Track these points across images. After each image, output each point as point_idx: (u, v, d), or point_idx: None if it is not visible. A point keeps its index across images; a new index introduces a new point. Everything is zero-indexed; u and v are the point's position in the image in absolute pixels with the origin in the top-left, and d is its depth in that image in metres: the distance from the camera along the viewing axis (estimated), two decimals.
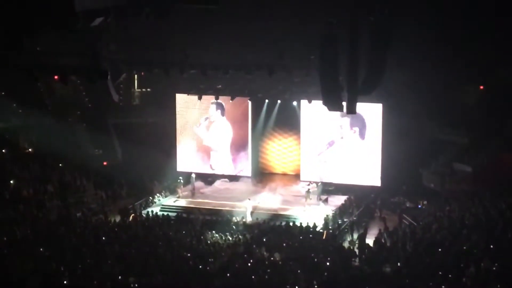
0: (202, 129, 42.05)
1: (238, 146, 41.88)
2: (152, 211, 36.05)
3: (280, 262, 27.34)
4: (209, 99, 41.06)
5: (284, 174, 42.96)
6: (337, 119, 38.73)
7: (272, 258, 27.75)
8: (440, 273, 24.84)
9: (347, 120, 38.84)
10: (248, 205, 35.69)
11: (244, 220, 34.33)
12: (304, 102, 39.06)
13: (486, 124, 36.41)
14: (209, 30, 33.57)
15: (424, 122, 38.50)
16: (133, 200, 38.02)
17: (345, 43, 23.04)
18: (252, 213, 35.20)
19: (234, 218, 34.44)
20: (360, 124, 38.82)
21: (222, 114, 41.79)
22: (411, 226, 33.27)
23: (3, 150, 40.65)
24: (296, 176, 41.59)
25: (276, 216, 35.20)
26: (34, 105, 40.72)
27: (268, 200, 37.39)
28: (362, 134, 38.94)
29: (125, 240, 30.11)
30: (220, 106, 41.64)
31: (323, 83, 24.02)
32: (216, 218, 34.78)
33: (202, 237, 31.22)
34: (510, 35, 32.65)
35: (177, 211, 36.61)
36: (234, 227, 33.09)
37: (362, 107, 31.42)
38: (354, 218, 34.87)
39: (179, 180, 39.83)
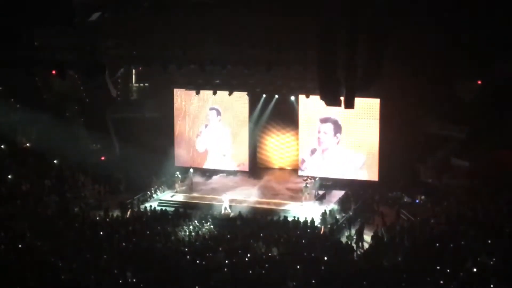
0: (203, 137, 42.32)
1: (237, 141, 41.92)
2: (150, 206, 36.07)
3: (277, 257, 27.39)
4: (206, 98, 41.07)
5: (282, 169, 42.93)
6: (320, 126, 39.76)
7: (269, 253, 27.80)
8: (438, 268, 24.90)
9: (330, 126, 39.35)
10: (225, 199, 35.86)
11: (223, 213, 34.81)
12: (302, 97, 39.02)
13: (484, 119, 36.38)
14: (207, 25, 33.52)
15: (422, 117, 38.49)
16: (131, 195, 38.01)
17: (343, 38, 23.06)
18: (230, 206, 35.35)
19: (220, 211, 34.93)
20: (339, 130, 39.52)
21: (219, 120, 42.00)
22: (409, 221, 33.32)
23: (1, 146, 40.62)
24: (294, 171, 41.61)
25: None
26: (32, 100, 40.65)
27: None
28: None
29: (123, 235, 30.14)
30: (218, 112, 41.81)
31: (321, 78, 24.06)
32: (212, 212, 34.87)
33: (199, 232, 31.33)
34: (508, 29, 32.62)
35: (175, 206, 36.63)
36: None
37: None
38: (352, 213, 34.88)
39: (176, 175, 39.84)
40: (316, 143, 40.18)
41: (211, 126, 42.21)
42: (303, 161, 40.58)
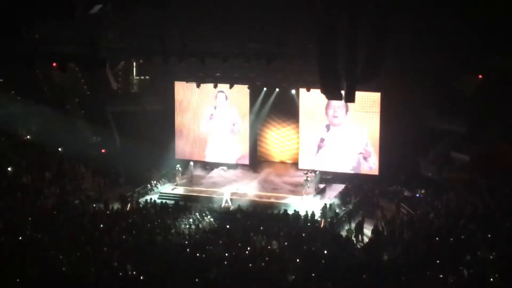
0: (212, 119, 42.21)
1: (237, 134, 41.92)
2: (150, 199, 36.10)
3: (277, 251, 27.42)
4: (207, 91, 40.98)
5: (282, 163, 42.90)
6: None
7: (269, 247, 27.82)
8: (437, 261, 24.93)
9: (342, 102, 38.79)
10: (226, 191, 35.94)
11: (223, 206, 34.98)
12: (302, 91, 39.01)
13: (484, 113, 36.37)
14: (208, 18, 33.48)
15: (423, 111, 38.47)
16: (131, 188, 38.02)
17: (344, 31, 23.01)
18: (231, 200, 35.43)
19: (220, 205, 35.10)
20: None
21: (226, 102, 41.91)
22: (409, 215, 33.34)
23: (2, 138, 40.60)
24: (294, 165, 41.59)
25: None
26: (33, 92, 40.63)
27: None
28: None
29: (123, 227, 30.16)
30: (225, 96, 41.62)
31: (321, 72, 24.03)
32: (213, 205, 34.91)
33: (199, 225, 31.36)
34: (509, 23, 32.55)
35: (175, 199, 36.65)
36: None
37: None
38: (352, 207, 34.90)
39: (177, 168, 39.86)
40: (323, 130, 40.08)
41: (219, 108, 42.02)
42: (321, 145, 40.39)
